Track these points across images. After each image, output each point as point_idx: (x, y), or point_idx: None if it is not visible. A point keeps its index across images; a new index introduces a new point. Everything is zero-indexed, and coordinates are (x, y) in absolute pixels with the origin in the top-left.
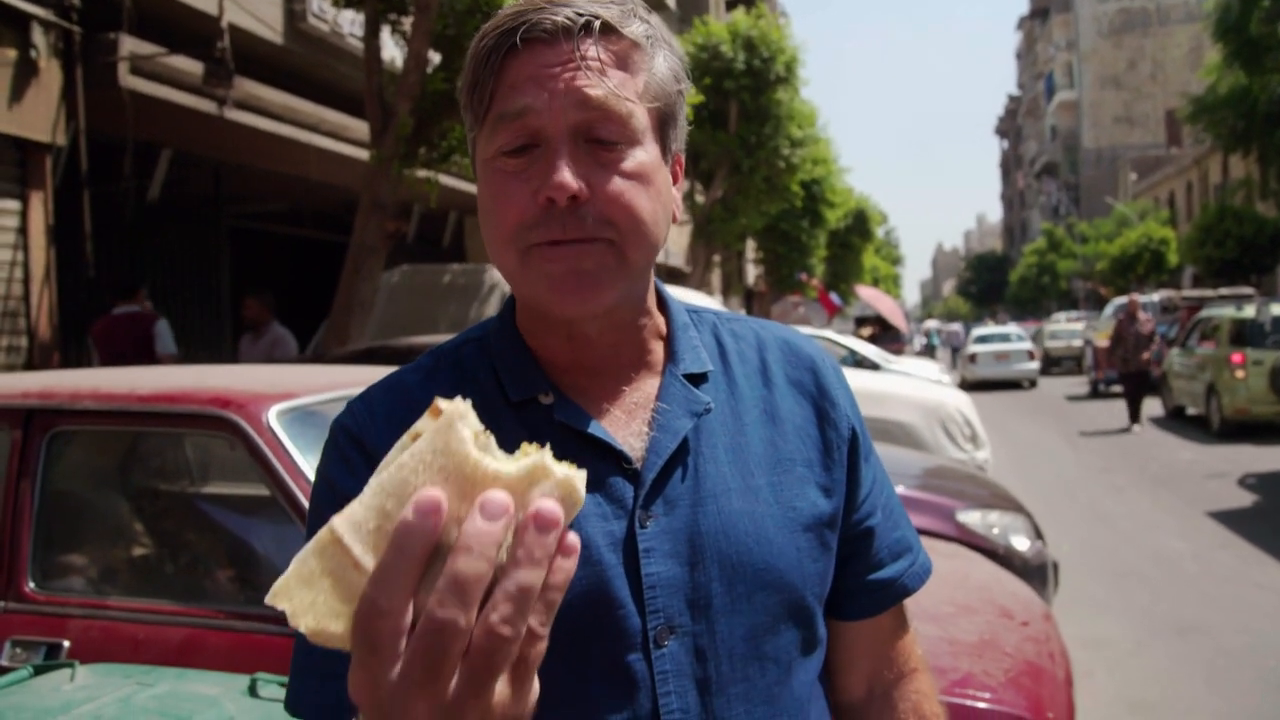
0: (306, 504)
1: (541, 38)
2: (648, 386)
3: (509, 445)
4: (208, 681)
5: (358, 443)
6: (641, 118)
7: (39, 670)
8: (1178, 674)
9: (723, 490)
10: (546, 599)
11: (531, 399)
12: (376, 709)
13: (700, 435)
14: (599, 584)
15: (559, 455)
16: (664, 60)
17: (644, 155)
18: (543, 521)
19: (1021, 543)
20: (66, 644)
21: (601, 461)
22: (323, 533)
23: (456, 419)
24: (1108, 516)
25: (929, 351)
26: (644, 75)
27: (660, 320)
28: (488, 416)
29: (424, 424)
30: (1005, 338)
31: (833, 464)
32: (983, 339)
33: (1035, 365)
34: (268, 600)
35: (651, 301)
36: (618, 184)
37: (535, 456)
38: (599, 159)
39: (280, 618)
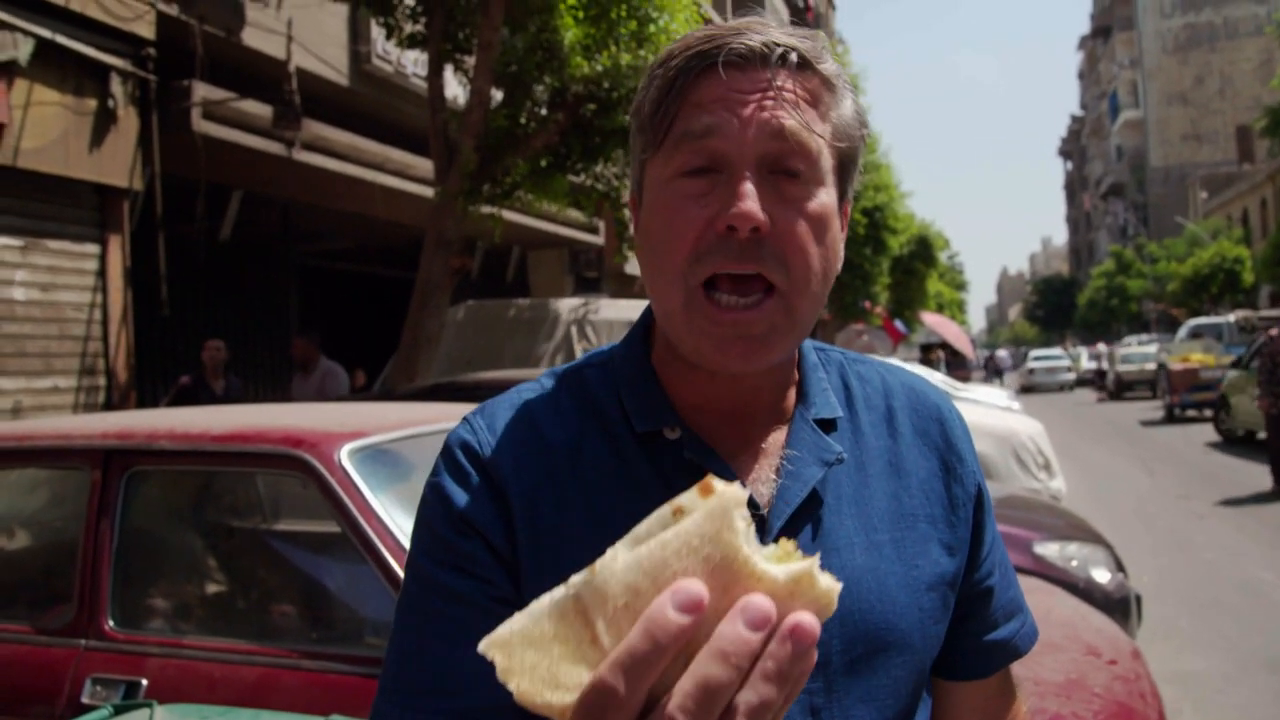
0: (378, 542)
1: (735, 62)
2: (777, 431)
3: (635, 476)
4: None
5: (477, 459)
6: (828, 158)
7: (119, 710)
8: (1271, 710)
9: (846, 544)
10: (778, 713)
11: (657, 432)
12: None
13: (826, 485)
14: None
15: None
16: (850, 102)
17: (826, 197)
18: (801, 639)
19: (1102, 575)
20: (145, 682)
21: None
22: (565, 599)
23: (733, 507)
24: (1189, 545)
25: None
26: (833, 115)
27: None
28: (611, 444)
29: (690, 500)
30: (1053, 357)
31: (957, 521)
32: (1038, 358)
33: (1072, 376)
34: (481, 648)
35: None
36: (800, 225)
37: (805, 564)
38: (784, 193)
39: (354, 658)
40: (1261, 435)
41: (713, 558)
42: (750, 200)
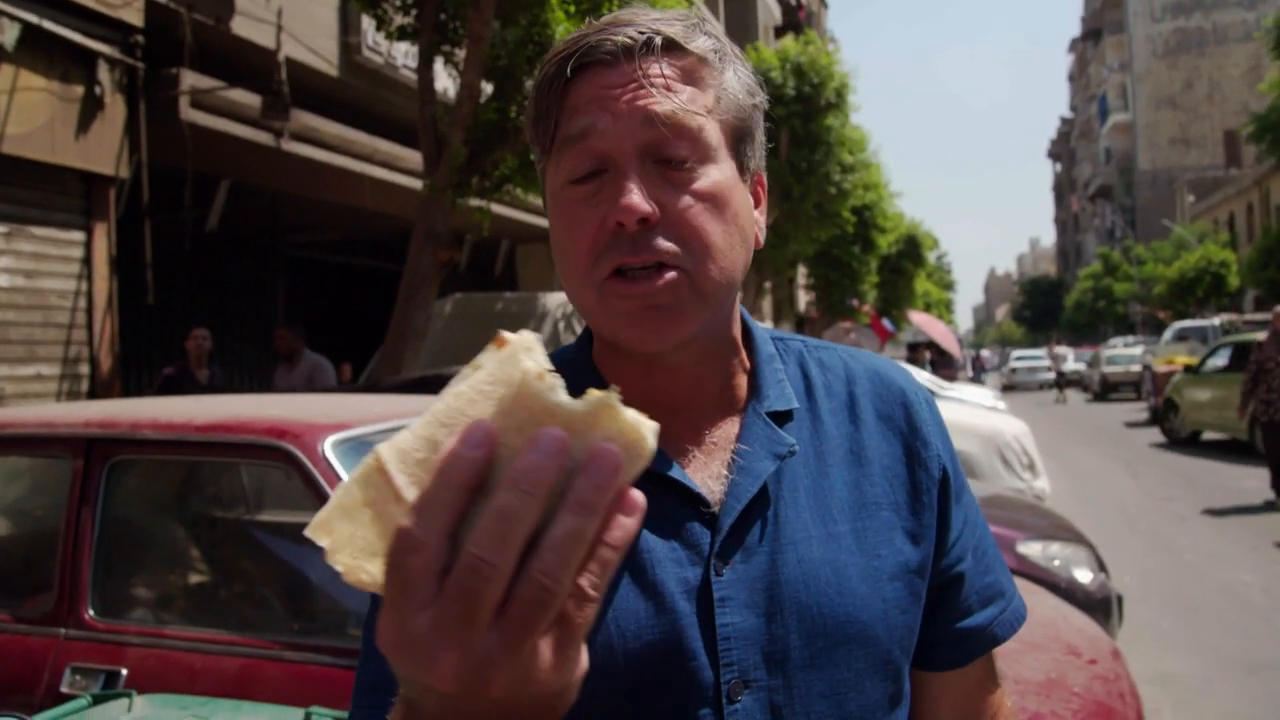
0: None
1: (603, 59)
2: (728, 425)
3: None
4: (263, 715)
5: None
6: (714, 133)
7: (97, 700)
8: (1249, 712)
9: (803, 537)
10: (600, 557)
11: None
12: (404, 658)
13: (781, 478)
14: (671, 633)
15: None
16: (735, 74)
17: (718, 174)
18: (600, 464)
19: (1084, 575)
20: (124, 672)
21: (678, 505)
22: (367, 460)
23: (521, 351)
24: (1171, 547)
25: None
26: (714, 90)
27: (744, 352)
28: None
29: (487, 356)
30: (1033, 358)
31: (922, 508)
32: (1020, 358)
33: (1051, 375)
34: (307, 533)
35: (736, 331)
36: (689, 204)
37: (602, 396)
38: (670, 179)
39: (336, 649)
40: (1208, 436)
41: (505, 399)
42: (632, 194)
